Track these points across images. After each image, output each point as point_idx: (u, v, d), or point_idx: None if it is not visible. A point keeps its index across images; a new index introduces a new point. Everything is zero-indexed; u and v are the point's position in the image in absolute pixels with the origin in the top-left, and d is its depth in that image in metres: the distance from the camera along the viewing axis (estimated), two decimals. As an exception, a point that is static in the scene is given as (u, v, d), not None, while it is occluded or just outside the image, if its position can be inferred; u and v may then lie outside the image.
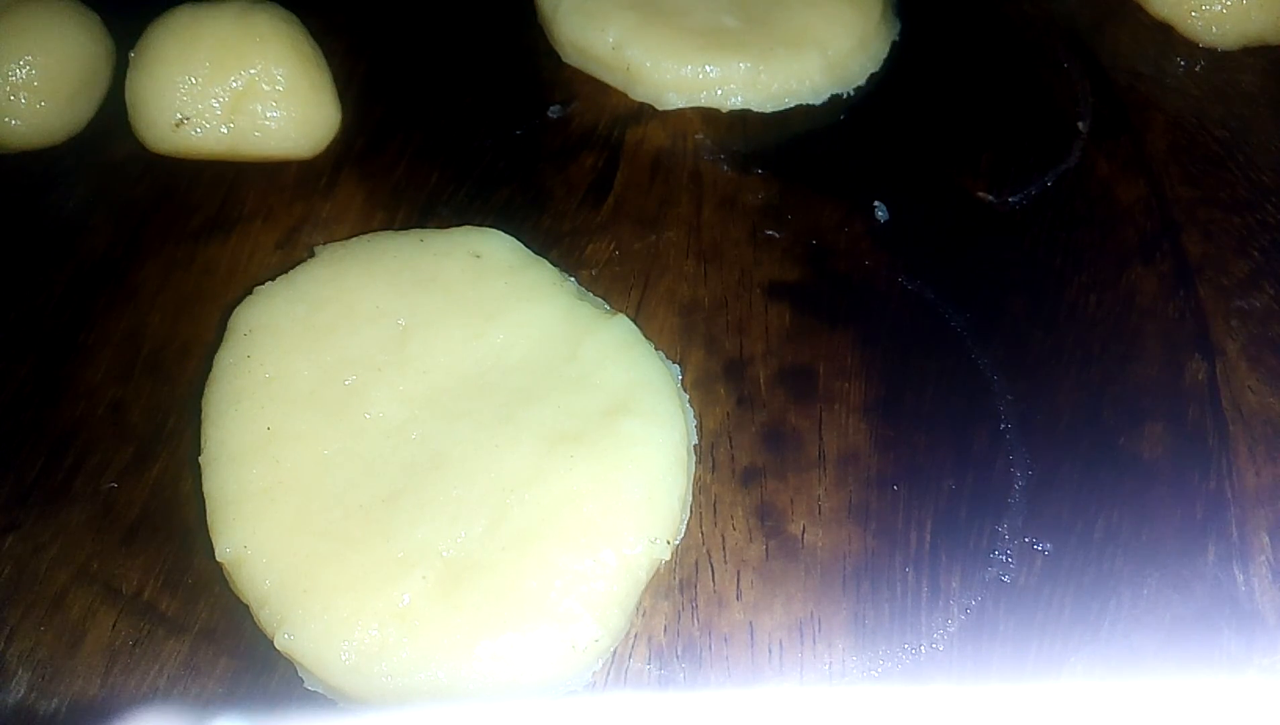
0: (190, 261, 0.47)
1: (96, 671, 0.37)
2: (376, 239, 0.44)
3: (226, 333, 0.41)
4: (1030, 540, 0.40)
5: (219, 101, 0.49)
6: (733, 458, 0.42)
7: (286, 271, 0.43)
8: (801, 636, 0.38)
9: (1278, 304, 0.46)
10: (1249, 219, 0.48)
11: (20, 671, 0.37)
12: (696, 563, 0.39)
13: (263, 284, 0.43)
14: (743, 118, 0.52)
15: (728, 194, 0.49)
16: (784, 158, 0.51)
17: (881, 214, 0.48)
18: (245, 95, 0.49)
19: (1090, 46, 0.55)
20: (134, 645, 0.37)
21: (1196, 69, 0.55)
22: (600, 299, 0.45)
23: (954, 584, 0.39)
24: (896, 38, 0.56)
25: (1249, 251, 0.47)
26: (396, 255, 0.43)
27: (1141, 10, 0.57)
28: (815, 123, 0.52)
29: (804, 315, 0.45)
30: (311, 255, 0.44)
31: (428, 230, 0.45)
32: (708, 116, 0.52)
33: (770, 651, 0.37)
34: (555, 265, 0.44)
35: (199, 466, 0.38)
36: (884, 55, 0.55)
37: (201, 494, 0.38)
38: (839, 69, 0.53)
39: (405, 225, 0.48)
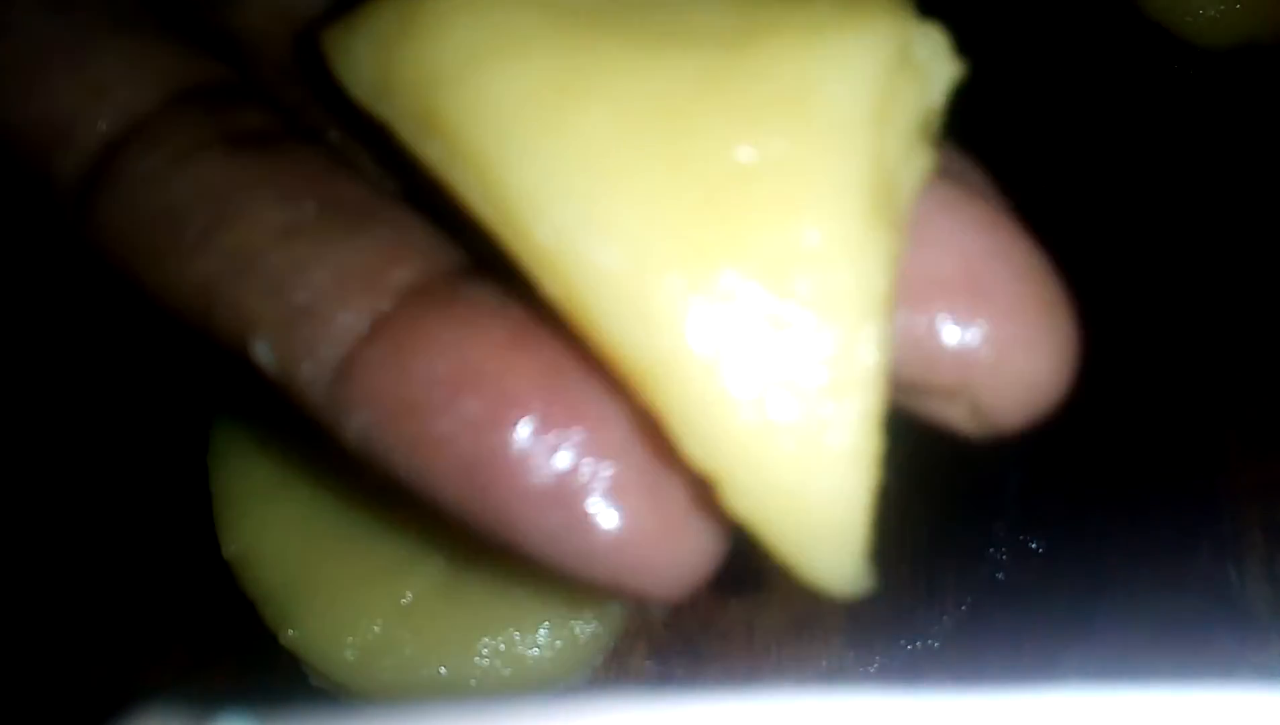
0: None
1: (103, 667, 0.37)
2: None
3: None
4: (1024, 538, 0.40)
5: None
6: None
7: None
8: (799, 633, 0.38)
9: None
10: (1240, 219, 0.49)
11: (31, 666, 0.37)
12: (695, 560, 0.39)
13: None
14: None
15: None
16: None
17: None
18: None
19: (1082, 46, 0.56)
20: (140, 641, 0.38)
21: (1191, 70, 0.55)
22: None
23: (949, 582, 0.39)
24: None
25: (1241, 251, 0.48)
26: None
27: (1136, 12, 0.57)
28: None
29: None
30: None
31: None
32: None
33: (768, 648, 0.38)
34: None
35: (207, 464, 0.39)
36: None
37: (209, 491, 0.38)
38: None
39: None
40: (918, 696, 0.14)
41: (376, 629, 0.35)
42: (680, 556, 0.18)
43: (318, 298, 0.18)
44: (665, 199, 0.17)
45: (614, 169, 0.17)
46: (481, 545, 0.34)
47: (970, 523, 0.40)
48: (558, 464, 0.18)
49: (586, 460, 0.18)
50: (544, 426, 0.18)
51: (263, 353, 0.19)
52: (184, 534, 0.40)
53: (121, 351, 0.45)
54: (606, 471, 0.18)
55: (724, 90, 0.17)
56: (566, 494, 0.18)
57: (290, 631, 0.35)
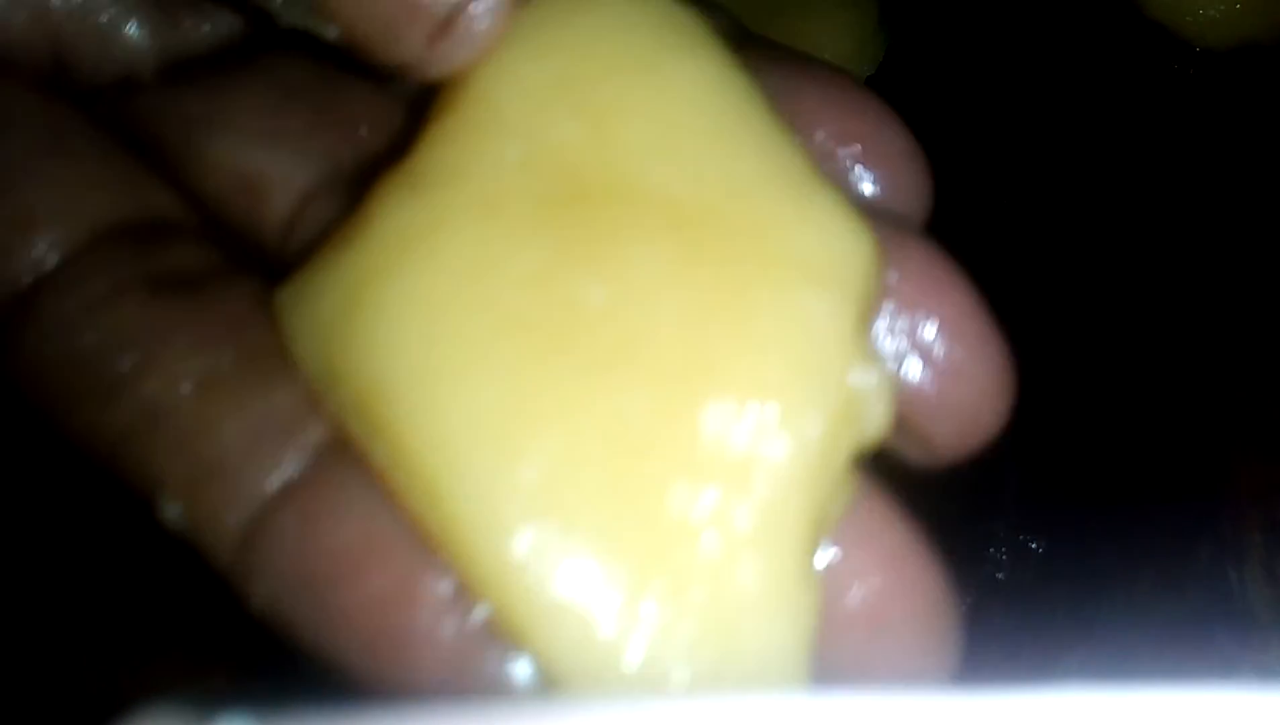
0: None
1: (103, 666, 0.37)
2: None
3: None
4: (1024, 538, 0.40)
5: None
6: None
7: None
8: (799, 633, 0.38)
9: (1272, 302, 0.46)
10: (1241, 220, 0.49)
11: (31, 666, 0.37)
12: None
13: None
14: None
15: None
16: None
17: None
18: None
19: (1083, 47, 0.56)
20: (140, 641, 0.38)
21: (1191, 70, 0.55)
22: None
23: (949, 582, 0.39)
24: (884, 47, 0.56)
25: (1241, 252, 0.48)
26: None
27: (1136, 12, 0.57)
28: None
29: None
30: None
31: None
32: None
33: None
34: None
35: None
36: (876, 63, 0.55)
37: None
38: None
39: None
40: (918, 696, 0.14)
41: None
42: None
43: (227, 457, 0.18)
44: (613, 546, 0.17)
45: (562, 510, 0.17)
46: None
47: (970, 523, 0.40)
48: (469, 633, 0.17)
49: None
50: (455, 596, 0.17)
51: (171, 513, 0.18)
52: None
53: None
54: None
55: (673, 437, 0.18)
56: (475, 666, 0.17)
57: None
